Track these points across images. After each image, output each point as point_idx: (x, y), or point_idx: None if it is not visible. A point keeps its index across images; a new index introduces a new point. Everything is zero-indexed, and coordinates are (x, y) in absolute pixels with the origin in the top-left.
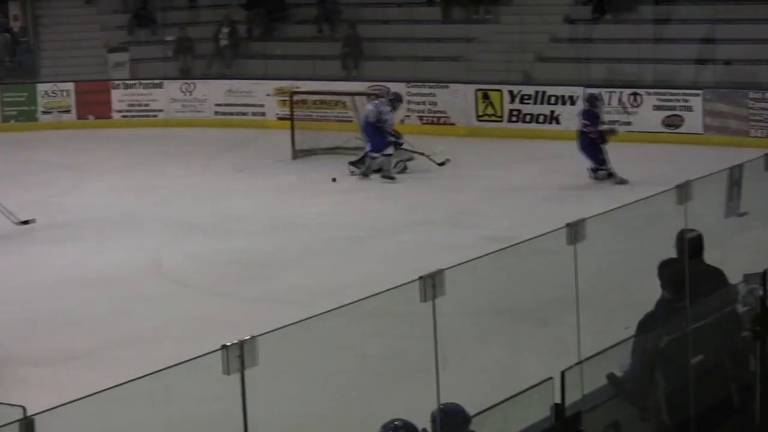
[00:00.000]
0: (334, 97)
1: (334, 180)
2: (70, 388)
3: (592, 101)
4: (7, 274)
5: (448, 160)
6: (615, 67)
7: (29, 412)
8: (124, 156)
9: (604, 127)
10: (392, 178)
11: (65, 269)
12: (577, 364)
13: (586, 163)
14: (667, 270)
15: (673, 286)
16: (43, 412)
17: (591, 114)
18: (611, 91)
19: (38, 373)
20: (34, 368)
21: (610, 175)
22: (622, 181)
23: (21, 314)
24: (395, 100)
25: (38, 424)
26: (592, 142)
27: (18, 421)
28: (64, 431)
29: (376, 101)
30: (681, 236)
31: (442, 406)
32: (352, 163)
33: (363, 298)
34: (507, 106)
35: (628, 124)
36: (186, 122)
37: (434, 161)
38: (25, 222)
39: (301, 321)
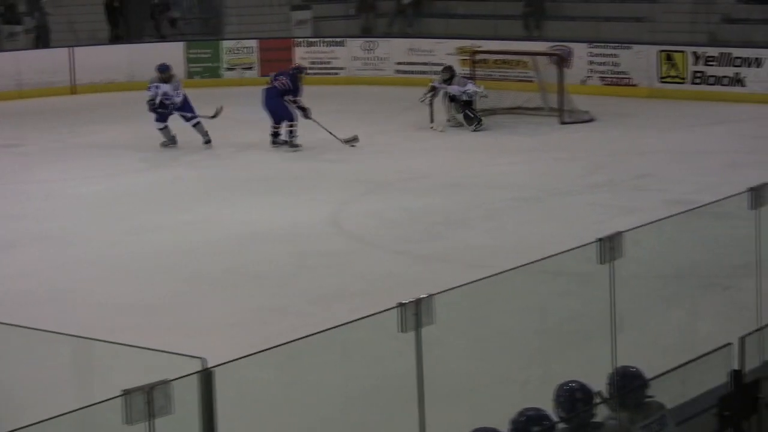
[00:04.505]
0: (515, 57)
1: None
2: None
3: None
4: (193, 228)
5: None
6: None
7: (210, 364)
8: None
9: None
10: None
11: (249, 224)
12: (756, 330)
13: None
14: None
15: None
16: (222, 364)
17: None
18: None
19: (222, 325)
20: (219, 320)
21: None
22: None
23: (207, 267)
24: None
25: (217, 375)
26: None
27: (198, 372)
28: (242, 383)
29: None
30: None
31: (618, 369)
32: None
33: (542, 258)
34: (690, 68)
35: None
36: (367, 80)
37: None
38: (351, 139)
39: (478, 280)
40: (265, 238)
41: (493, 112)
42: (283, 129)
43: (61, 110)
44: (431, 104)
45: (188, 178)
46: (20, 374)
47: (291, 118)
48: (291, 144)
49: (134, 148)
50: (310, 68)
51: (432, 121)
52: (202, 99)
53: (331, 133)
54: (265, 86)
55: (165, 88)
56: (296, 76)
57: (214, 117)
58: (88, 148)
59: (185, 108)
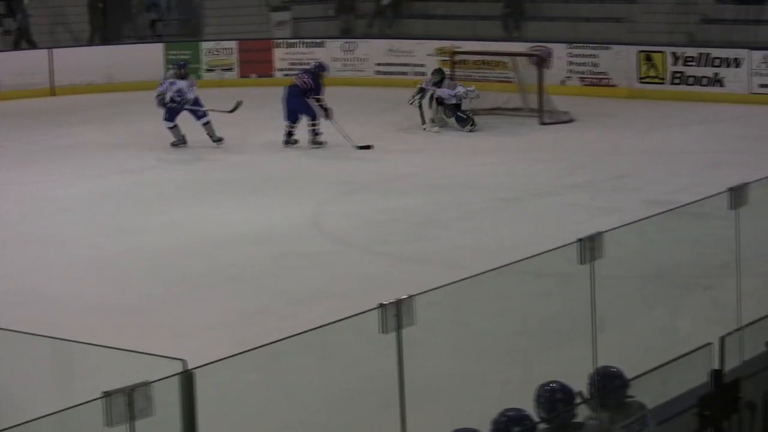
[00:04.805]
0: (494, 58)
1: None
2: (231, 343)
3: None
4: (173, 230)
5: (369, 146)
6: None
7: (190, 366)
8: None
9: None
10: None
11: (229, 226)
12: (736, 330)
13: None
14: None
15: None
16: (203, 365)
17: None
18: None
19: (201, 328)
20: (198, 322)
21: None
22: None
23: (186, 269)
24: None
25: (198, 377)
26: None
27: (178, 374)
28: (223, 385)
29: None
30: None
31: (599, 369)
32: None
33: (522, 259)
34: (670, 68)
35: None
36: (347, 81)
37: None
38: (365, 147)
39: (459, 281)
40: (245, 240)
41: (473, 112)
42: (306, 128)
43: (40, 112)
44: (420, 106)
45: (168, 180)
46: (0, 377)
47: (313, 117)
48: (314, 141)
49: (113, 150)
50: (290, 69)
51: (423, 122)
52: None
53: (346, 137)
54: (289, 84)
55: (180, 84)
56: (317, 74)
57: (232, 111)
58: (67, 150)
59: (197, 106)
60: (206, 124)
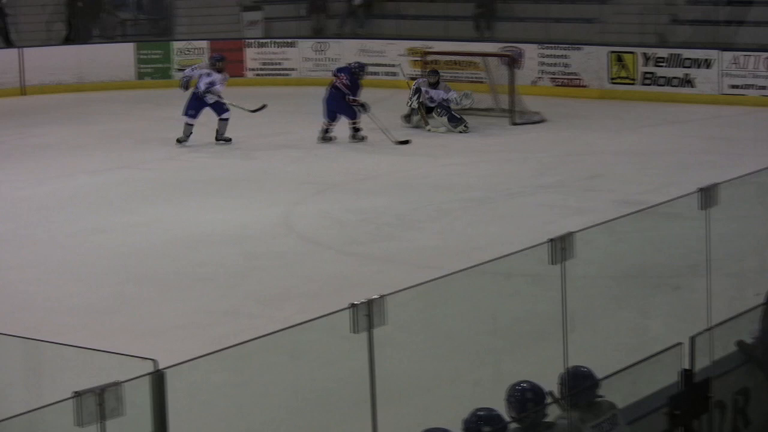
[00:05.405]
0: (466, 58)
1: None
2: (202, 342)
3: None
4: (142, 230)
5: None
6: (752, 30)
7: (161, 366)
8: (257, 114)
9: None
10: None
11: (198, 226)
12: (706, 330)
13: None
14: None
15: None
16: (174, 365)
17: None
18: (748, 55)
19: (171, 327)
20: (169, 322)
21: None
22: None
23: (157, 269)
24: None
25: (169, 377)
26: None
27: (149, 374)
28: (194, 385)
29: None
30: None
31: (569, 369)
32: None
33: (493, 259)
34: (641, 69)
35: (764, 88)
36: (318, 81)
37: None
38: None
39: (430, 281)
40: (214, 240)
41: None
42: (348, 127)
43: (10, 111)
44: (420, 106)
45: (137, 180)
46: None
47: (353, 117)
48: (357, 137)
49: (84, 150)
50: (261, 69)
51: (426, 123)
52: (152, 101)
53: (385, 132)
54: (330, 84)
55: (215, 77)
56: (357, 74)
57: (254, 111)
58: (37, 150)
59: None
60: (225, 120)
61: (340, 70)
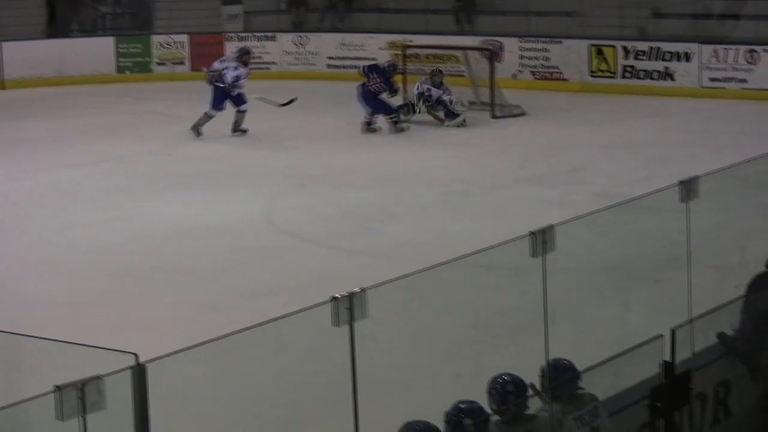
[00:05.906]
0: (446, 52)
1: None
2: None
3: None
4: (123, 224)
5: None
6: (732, 24)
7: (142, 359)
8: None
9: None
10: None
11: (179, 220)
12: (687, 322)
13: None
14: None
15: None
16: (155, 359)
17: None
18: (727, 48)
19: (153, 321)
20: (150, 316)
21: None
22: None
23: (138, 263)
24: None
25: (150, 371)
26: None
27: (130, 368)
28: (175, 379)
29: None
30: None
31: (551, 362)
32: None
33: (473, 252)
34: (621, 62)
35: (744, 81)
36: (298, 75)
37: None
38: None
39: (411, 274)
40: (196, 234)
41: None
42: (386, 122)
43: None
44: (429, 109)
45: (117, 174)
46: None
47: (389, 112)
48: (397, 129)
49: (63, 144)
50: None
51: (442, 121)
52: (132, 95)
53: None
54: (362, 84)
55: (241, 71)
56: (390, 73)
57: (284, 105)
58: (17, 144)
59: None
60: (243, 112)
61: (371, 69)
